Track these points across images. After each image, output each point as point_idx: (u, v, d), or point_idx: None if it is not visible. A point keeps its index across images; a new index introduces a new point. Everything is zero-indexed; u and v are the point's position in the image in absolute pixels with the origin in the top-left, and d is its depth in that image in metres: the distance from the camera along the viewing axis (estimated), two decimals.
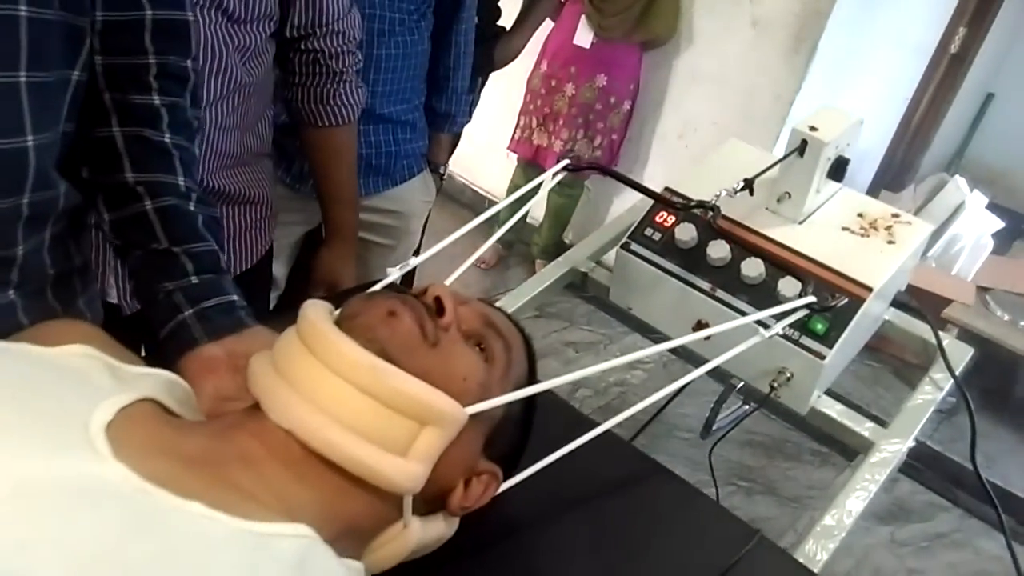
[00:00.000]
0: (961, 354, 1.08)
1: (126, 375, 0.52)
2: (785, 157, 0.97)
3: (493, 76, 2.02)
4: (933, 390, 1.04)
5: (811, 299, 0.77)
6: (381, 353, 0.51)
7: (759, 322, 0.97)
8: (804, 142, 0.97)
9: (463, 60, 1.44)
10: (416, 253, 1.94)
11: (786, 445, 2.45)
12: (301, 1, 0.99)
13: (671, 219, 1.06)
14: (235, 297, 0.65)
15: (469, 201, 3.42)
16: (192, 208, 0.66)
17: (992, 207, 2.96)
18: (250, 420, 0.51)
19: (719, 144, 1.19)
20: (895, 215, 1.06)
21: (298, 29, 1.00)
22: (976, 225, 2.83)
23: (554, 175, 0.93)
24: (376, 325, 0.52)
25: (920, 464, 2.42)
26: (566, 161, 0.91)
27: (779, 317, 0.95)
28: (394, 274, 0.65)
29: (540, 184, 1.05)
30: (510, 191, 3.03)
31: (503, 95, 2.90)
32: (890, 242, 1.02)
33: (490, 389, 0.56)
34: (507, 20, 1.95)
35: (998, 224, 2.83)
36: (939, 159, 4.30)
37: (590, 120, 2.74)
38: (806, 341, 0.94)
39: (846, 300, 0.94)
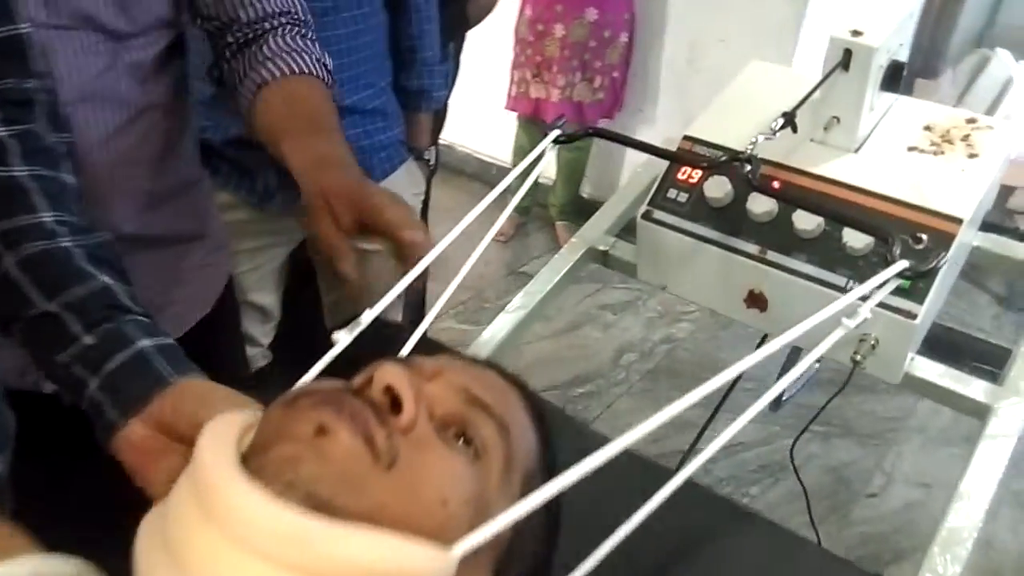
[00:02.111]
0: None
1: None
2: (828, 76, 0.77)
3: (476, 33, 1.81)
4: None
5: (903, 265, 0.59)
6: (309, 500, 0.34)
7: (829, 284, 0.79)
8: (848, 52, 0.78)
9: (427, 26, 1.24)
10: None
11: (856, 376, 2.26)
12: None
13: (697, 173, 0.88)
14: (143, 343, 0.51)
15: (475, 171, 3.23)
16: (65, 244, 0.53)
17: None
18: None
19: (735, 66, 0.99)
20: (970, 120, 0.86)
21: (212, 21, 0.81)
22: None
23: (547, 149, 0.75)
24: (298, 457, 0.36)
25: None
26: (556, 132, 0.73)
27: (853, 277, 0.77)
28: (344, 340, 0.48)
29: (542, 155, 0.88)
30: (515, 152, 2.84)
31: (493, 50, 2.69)
32: (972, 156, 0.82)
33: (486, 503, 0.39)
34: None
35: None
36: (970, 34, 3.97)
37: (586, 60, 2.52)
38: (889, 299, 0.76)
39: (931, 241, 0.75)
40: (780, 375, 1.14)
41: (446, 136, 3.11)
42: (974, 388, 0.80)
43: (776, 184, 0.82)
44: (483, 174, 3.21)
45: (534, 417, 0.47)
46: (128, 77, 0.72)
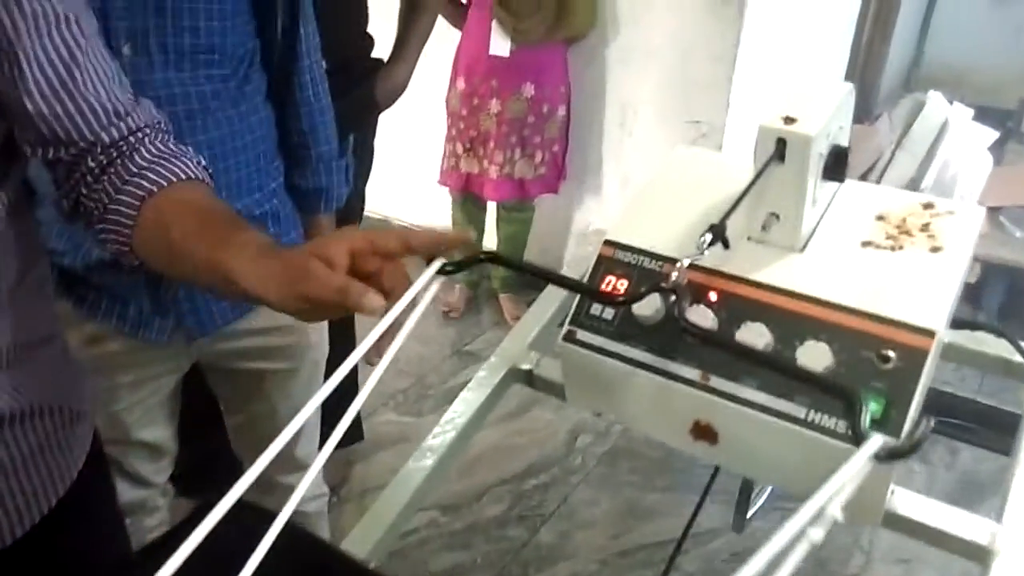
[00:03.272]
0: None
1: None
2: (761, 172, 0.65)
3: (412, 104, 1.70)
4: None
5: (877, 443, 0.46)
6: None
7: (787, 416, 0.66)
8: (782, 141, 0.66)
9: (320, 119, 1.11)
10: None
11: None
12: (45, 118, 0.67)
13: (623, 283, 0.75)
14: None
15: None
16: None
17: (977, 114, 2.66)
18: None
19: (668, 128, 0.88)
20: (927, 205, 0.75)
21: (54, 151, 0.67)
22: (966, 141, 2.53)
23: (429, 281, 0.61)
24: None
25: None
26: (441, 262, 0.60)
27: (813, 406, 0.64)
28: None
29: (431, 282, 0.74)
30: (454, 228, 2.71)
31: (429, 123, 2.60)
32: (935, 249, 0.71)
33: None
34: (382, 51, 1.64)
35: (991, 135, 2.53)
36: (899, 75, 4.03)
37: (525, 136, 2.42)
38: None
39: (900, 359, 0.63)
40: (741, 498, 1.01)
41: (383, 210, 2.99)
42: (972, 530, 0.67)
43: (712, 296, 0.70)
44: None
45: None
46: None
